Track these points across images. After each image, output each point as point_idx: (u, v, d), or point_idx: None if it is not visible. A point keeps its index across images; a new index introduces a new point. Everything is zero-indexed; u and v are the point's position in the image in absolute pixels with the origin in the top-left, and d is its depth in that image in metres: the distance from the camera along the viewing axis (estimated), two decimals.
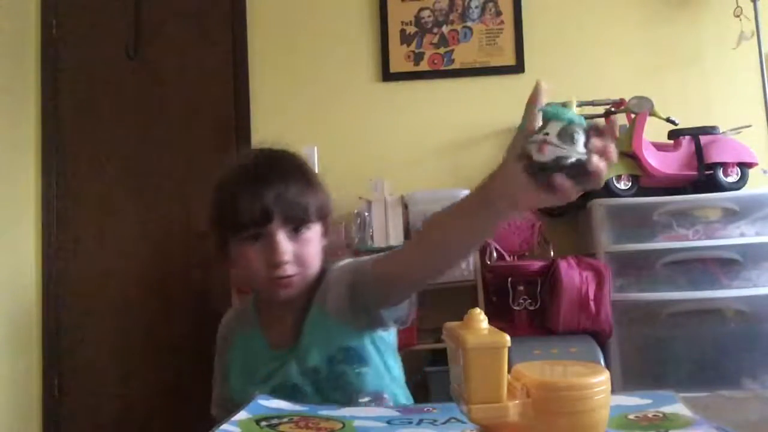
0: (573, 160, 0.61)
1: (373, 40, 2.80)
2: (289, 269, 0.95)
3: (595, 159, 0.61)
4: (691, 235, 2.23)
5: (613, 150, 0.62)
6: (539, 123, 0.63)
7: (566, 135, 0.61)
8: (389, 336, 1.04)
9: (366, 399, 0.95)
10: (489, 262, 2.34)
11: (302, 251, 0.96)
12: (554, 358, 0.79)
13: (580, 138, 0.61)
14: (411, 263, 0.89)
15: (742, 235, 2.22)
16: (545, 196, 0.64)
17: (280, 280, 0.96)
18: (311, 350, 0.97)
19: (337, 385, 0.96)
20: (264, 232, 0.94)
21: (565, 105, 0.63)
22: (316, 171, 1.08)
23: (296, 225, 0.96)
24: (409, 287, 0.93)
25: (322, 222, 1.01)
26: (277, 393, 0.94)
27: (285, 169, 1.00)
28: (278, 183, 0.95)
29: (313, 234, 0.99)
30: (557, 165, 0.61)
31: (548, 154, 0.61)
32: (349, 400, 0.93)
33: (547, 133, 0.61)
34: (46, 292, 2.75)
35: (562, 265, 2.18)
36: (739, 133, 2.39)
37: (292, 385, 0.96)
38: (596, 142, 0.61)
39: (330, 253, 1.08)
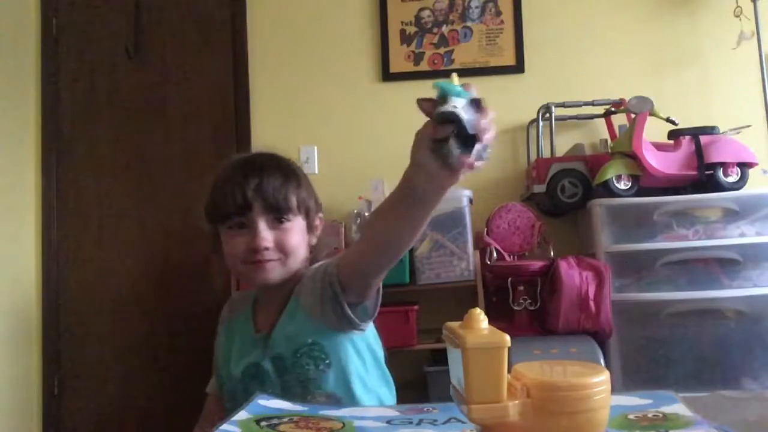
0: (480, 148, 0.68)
1: (373, 40, 2.80)
2: (268, 255, 1.02)
3: (489, 134, 0.68)
4: (691, 235, 2.23)
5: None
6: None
7: (470, 111, 0.66)
8: (370, 340, 1.07)
9: (322, 399, 0.99)
10: (489, 262, 2.34)
11: (282, 239, 1.03)
12: (554, 358, 0.79)
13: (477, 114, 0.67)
14: (365, 255, 0.94)
15: (742, 235, 2.22)
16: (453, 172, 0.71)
17: (258, 264, 1.02)
18: (281, 339, 1.02)
19: (298, 377, 1.00)
20: (247, 220, 1.02)
21: (449, 80, 0.67)
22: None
23: (276, 215, 1.03)
24: (371, 276, 0.96)
25: (306, 217, 1.08)
26: (247, 372, 1.04)
27: (268, 164, 1.07)
28: (259, 176, 1.03)
29: (295, 225, 1.05)
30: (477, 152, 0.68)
31: (476, 163, 0.68)
32: (306, 394, 0.99)
33: (455, 108, 0.65)
34: (46, 292, 2.75)
35: (562, 265, 2.18)
36: (739, 133, 2.39)
37: (263, 368, 1.02)
38: (486, 118, 0.67)
39: (329, 253, 1.12)
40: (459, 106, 0.65)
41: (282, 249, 1.03)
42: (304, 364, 1.00)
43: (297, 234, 1.05)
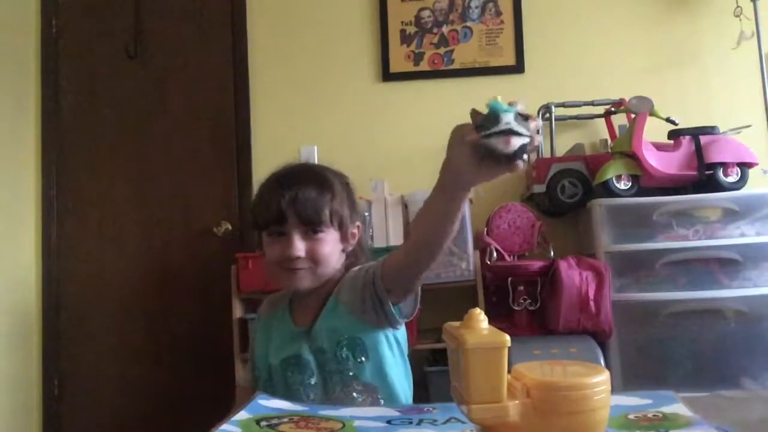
0: (527, 142, 0.73)
1: (373, 40, 2.80)
2: (300, 264, 1.10)
3: (538, 137, 0.75)
4: (691, 235, 2.22)
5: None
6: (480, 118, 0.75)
7: (521, 123, 0.72)
8: (399, 336, 1.15)
9: (360, 388, 1.08)
10: (489, 262, 2.34)
11: (315, 249, 1.10)
12: (554, 358, 0.79)
13: (525, 124, 0.73)
14: (409, 253, 1.01)
15: (742, 235, 2.22)
16: (491, 172, 0.78)
17: (290, 271, 1.11)
18: (322, 333, 1.10)
19: (339, 368, 1.08)
20: (284, 230, 1.10)
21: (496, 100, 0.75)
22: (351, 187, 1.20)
23: (311, 227, 1.10)
24: (413, 274, 1.03)
25: (340, 228, 1.14)
26: (287, 362, 1.12)
27: (305, 177, 1.14)
28: (295, 188, 1.10)
29: (328, 236, 1.12)
30: (521, 151, 0.73)
31: (513, 144, 0.72)
32: (345, 385, 1.07)
33: (508, 124, 0.72)
34: (46, 292, 2.75)
35: (562, 265, 2.18)
36: (739, 133, 2.39)
37: (304, 359, 1.10)
38: (533, 124, 0.74)
39: (367, 258, 1.20)
40: (510, 121, 0.72)
41: (313, 258, 1.10)
42: (344, 357, 1.08)
43: (329, 244, 1.12)
